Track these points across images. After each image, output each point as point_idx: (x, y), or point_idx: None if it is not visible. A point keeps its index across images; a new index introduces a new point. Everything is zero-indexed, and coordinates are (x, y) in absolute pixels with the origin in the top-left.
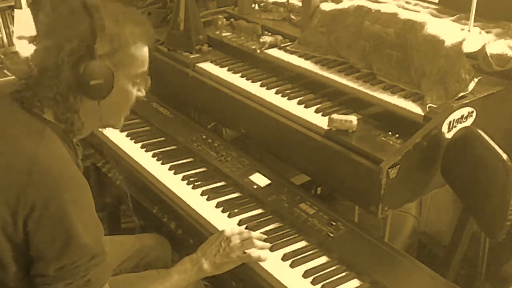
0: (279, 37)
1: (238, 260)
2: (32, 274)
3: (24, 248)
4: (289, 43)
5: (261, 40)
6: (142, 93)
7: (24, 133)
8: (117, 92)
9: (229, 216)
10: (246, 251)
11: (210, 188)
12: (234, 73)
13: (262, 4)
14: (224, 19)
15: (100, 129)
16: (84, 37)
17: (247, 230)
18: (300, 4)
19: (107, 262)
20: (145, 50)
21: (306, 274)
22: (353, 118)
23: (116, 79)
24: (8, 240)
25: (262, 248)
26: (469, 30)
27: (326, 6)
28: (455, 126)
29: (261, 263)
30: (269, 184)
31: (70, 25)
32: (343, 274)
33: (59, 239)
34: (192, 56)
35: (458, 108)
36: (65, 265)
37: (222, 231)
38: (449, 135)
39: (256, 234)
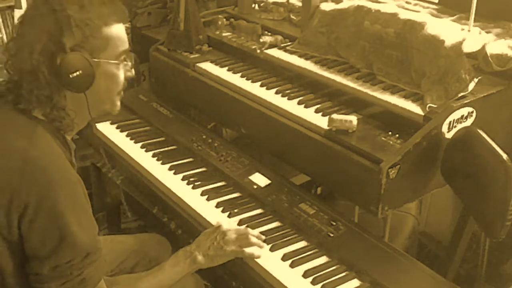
0: (279, 37)
1: (231, 254)
2: (27, 272)
3: (20, 247)
4: (289, 43)
5: (261, 40)
6: (131, 72)
7: (15, 132)
8: (102, 77)
9: (229, 216)
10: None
11: (210, 188)
12: (234, 73)
13: (262, 4)
14: (224, 19)
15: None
16: (51, 33)
17: (244, 227)
18: (300, 4)
19: (102, 259)
20: (118, 28)
21: (306, 274)
22: (353, 118)
23: (97, 65)
24: (4, 239)
25: (258, 245)
26: (469, 30)
27: (326, 6)
28: (455, 126)
29: (261, 264)
30: (269, 184)
31: (36, 24)
32: (343, 274)
33: (53, 238)
34: (192, 56)
35: (458, 108)
36: (59, 264)
37: (219, 226)
38: (449, 135)
39: (255, 232)
